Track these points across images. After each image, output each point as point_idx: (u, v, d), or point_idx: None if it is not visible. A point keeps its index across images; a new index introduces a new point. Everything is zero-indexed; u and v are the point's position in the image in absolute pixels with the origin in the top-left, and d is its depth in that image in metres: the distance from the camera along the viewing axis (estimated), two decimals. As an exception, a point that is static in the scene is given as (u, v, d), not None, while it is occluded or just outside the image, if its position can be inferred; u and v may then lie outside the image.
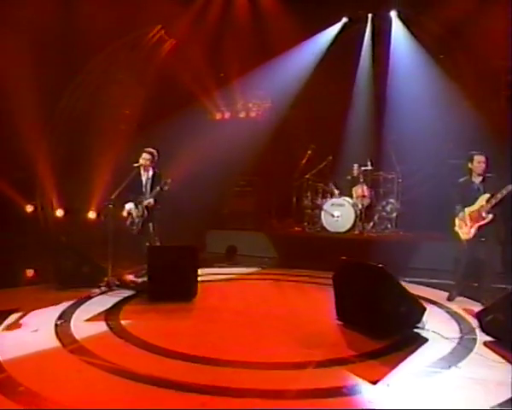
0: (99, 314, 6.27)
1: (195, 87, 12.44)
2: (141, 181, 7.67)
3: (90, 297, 7.00)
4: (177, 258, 6.83)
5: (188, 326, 5.97)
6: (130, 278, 7.79)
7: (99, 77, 11.85)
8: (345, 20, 12.18)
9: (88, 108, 11.76)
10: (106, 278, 7.41)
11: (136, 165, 7.47)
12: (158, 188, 7.45)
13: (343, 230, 10.52)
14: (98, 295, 7.15)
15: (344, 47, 11.86)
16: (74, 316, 6.20)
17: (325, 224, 10.71)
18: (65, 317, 6.19)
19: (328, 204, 10.70)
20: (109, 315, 6.26)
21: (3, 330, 5.72)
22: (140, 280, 7.51)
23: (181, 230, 9.27)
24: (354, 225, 10.56)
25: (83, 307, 6.64)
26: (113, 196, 7.24)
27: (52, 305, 6.56)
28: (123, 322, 6.02)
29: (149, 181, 7.64)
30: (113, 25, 10.69)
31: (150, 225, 7.64)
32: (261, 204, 11.73)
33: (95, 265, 7.67)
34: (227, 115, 13.67)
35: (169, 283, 6.72)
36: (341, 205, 10.57)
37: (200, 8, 11.90)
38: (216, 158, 11.39)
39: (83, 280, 7.46)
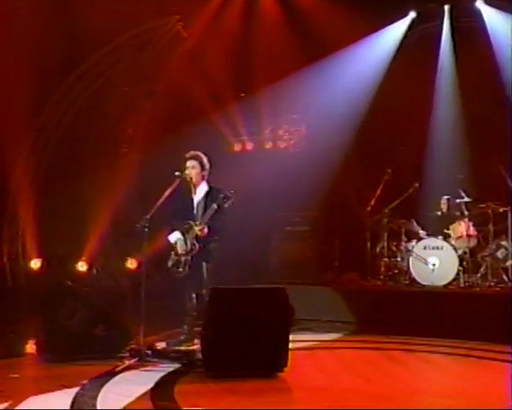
0: (142, 398, 4.91)
1: (211, 107, 11.46)
2: (189, 201, 6.83)
3: (114, 373, 5.68)
4: (255, 307, 5.64)
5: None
6: (162, 346, 6.72)
7: (95, 83, 10.99)
8: (412, 15, 11.28)
9: (79, 123, 10.96)
10: (132, 345, 6.25)
11: (177, 174, 6.59)
12: (214, 205, 6.49)
13: (442, 282, 9.19)
14: (124, 369, 5.83)
15: (414, 49, 10.95)
16: (100, 402, 4.81)
17: (415, 274, 9.33)
18: (84, 405, 4.74)
19: (419, 247, 9.42)
20: (159, 400, 4.91)
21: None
22: (176, 348, 6.55)
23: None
24: (458, 276, 9.21)
25: (108, 387, 5.24)
26: (148, 216, 6.21)
27: (53, 387, 5.16)
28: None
29: (202, 201, 6.77)
30: (118, 15, 10.02)
31: (204, 265, 6.65)
32: (322, 249, 10.82)
33: (115, 324, 6.41)
34: (249, 146, 12.55)
35: (242, 346, 5.52)
36: (439, 248, 9.31)
37: (221, 2, 11.09)
38: (253, 192, 10.41)
39: (94, 347, 6.17)
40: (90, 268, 10.56)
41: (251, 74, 11.36)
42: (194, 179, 6.79)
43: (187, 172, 6.77)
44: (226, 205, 6.51)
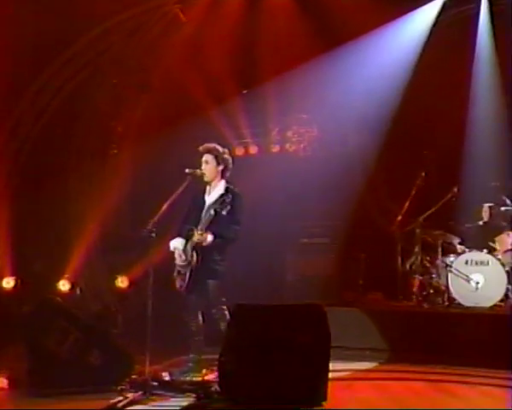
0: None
1: (211, 104, 11.36)
2: (201, 202, 6.75)
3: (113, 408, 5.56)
4: (286, 327, 5.51)
5: None
6: (167, 375, 6.51)
7: (80, 73, 10.80)
8: (443, -3, 11.07)
9: (61, 119, 10.85)
10: (133, 376, 6.10)
11: (188, 171, 6.55)
12: (211, 210, 6.41)
13: (488, 303, 8.96)
14: (127, 404, 5.68)
15: (446, 37, 10.68)
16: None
17: (456, 294, 9.11)
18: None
19: (460, 262, 9.20)
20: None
21: None
22: (187, 379, 6.39)
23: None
24: (507, 295, 9.01)
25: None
26: (155, 218, 6.18)
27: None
28: None
29: (214, 204, 6.56)
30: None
31: (209, 281, 6.53)
32: (344, 264, 10.70)
33: (113, 350, 6.27)
34: (253, 150, 12.40)
35: (270, 375, 5.34)
36: (483, 263, 9.11)
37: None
38: (261, 200, 10.29)
39: (89, 378, 6.02)
40: (73, 288, 10.29)
41: (256, 66, 11.25)
42: (208, 177, 6.67)
43: (202, 167, 6.67)
44: (224, 212, 6.34)
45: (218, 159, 6.67)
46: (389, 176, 11.10)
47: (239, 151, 12.42)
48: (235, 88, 11.46)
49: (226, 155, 6.77)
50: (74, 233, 10.41)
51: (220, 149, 6.78)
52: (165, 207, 6.30)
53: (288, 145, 12.21)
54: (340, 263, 10.72)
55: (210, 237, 6.42)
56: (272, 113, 11.99)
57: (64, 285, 10.23)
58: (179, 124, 10.67)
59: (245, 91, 11.84)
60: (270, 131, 12.31)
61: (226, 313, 6.43)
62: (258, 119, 12.00)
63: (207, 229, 6.45)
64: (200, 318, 6.64)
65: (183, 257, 6.55)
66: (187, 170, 6.56)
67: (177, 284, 6.64)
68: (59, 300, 6.81)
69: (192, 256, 6.46)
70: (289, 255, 10.85)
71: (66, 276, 10.29)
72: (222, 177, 6.71)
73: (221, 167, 6.68)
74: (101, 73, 11.17)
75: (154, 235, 6.10)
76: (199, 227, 6.48)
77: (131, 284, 10.11)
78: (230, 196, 6.45)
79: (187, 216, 6.75)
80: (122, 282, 10.41)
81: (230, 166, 6.78)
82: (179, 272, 6.61)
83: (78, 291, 10.13)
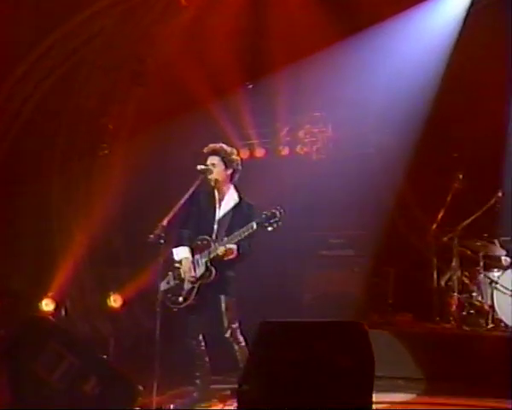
0: None
1: (212, 101, 11.39)
2: (210, 209, 6.85)
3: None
4: (322, 349, 5.34)
5: None
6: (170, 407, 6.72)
7: (65, 62, 10.63)
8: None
9: (44, 115, 10.76)
10: (136, 408, 6.10)
11: (201, 168, 6.69)
12: (253, 224, 6.43)
13: None
14: None
15: (486, 19, 10.52)
16: None
17: (502, 314, 9.01)
18: None
19: (507, 278, 9.15)
20: None
21: None
22: None
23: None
24: None
25: None
26: (165, 222, 6.26)
27: None
28: None
29: (228, 216, 6.76)
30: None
31: (222, 298, 6.63)
32: (371, 280, 10.65)
33: (114, 378, 6.19)
34: (260, 152, 12.42)
35: (303, 406, 5.20)
36: None
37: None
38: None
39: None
40: (57, 307, 10.13)
41: (264, 57, 11.31)
42: (215, 182, 6.76)
43: (212, 175, 6.78)
44: (270, 228, 6.37)
45: (226, 161, 6.71)
46: (418, 180, 11.04)
47: (243, 154, 12.11)
48: (240, 81, 11.48)
49: (234, 156, 6.82)
50: (59, 245, 10.38)
51: (228, 149, 6.82)
52: (176, 208, 6.33)
53: (299, 147, 12.15)
54: (366, 279, 10.67)
55: (235, 252, 6.51)
56: (281, 110, 11.91)
57: (47, 305, 10.08)
58: (178, 121, 10.70)
59: (250, 85, 11.79)
60: (278, 131, 12.27)
61: (239, 335, 6.52)
62: (266, 117, 11.96)
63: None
64: (202, 340, 6.72)
65: (194, 271, 6.57)
66: (199, 167, 6.60)
67: (172, 299, 6.63)
68: (50, 318, 6.96)
69: (209, 271, 6.50)
70: (306, 270, 10.85)
71: (50, 294, 10.14)
72: (230, 181, 6.79)
73: (230, 171, 6.73)
74: (89, 63, 11.03)
75: (162, 241, 6.14)
76: (219, 239, 6.54)
77: (125, 303, 10.07)
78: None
79: (185, 221, 6.73)
80: (115, 301, 10.32)
81: (239, 168, 6.85)
82: (178, 287, 6.63)
83: (62, 312, 10.08)
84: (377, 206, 11.04)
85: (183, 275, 6.65)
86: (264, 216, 6.37)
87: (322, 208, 10.91)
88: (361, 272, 10.65)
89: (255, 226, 6.41)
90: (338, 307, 10.16)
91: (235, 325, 6.60)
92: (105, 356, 6.73)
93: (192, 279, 6.61)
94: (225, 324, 6.58)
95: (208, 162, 6.74)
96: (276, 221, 6.36)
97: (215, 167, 6.70)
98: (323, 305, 10.36)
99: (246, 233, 6.49)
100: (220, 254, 6.50)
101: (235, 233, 6.51)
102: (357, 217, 10.88)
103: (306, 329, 5.60)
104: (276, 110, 11.94)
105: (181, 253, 6.71)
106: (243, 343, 6.59)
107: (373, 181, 11.16)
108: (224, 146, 6.84)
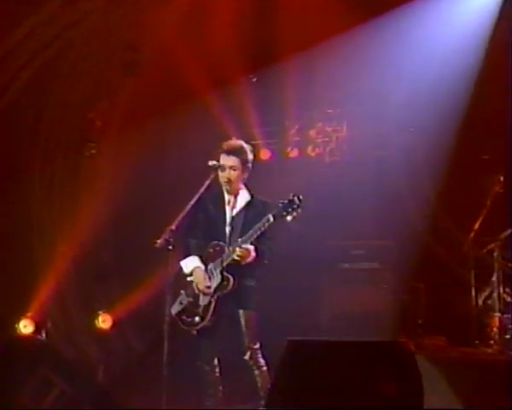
0: None
1: (212, 95, 11.43)
2: (220, 213, 6.87)
3: None
4: (361, 373, 5.56)
5: None
6: None
7: (47, 49, 10.48)
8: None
9: (23, 109, 10.63)
10: None
11: (213, 164, 6.65)
12: (270, 217, 6.42)
13: None
14: None
15: None
16: None
17: None
18: None
19: None
20: None
21: None
22: None
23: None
24: None
25: None
26: (173, 226, 6.37)
27: None
28: None
29: (241, 215, 6.77)
30: None
31: (241, 313, 6.60)
32: (399, 297, 10.56)
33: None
34: (266, 154, 12.42)
35: None
36: None
37: None
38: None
39: None
40: (37, 330, 9.89)
41: (270, 44, 11.24)
42: (232, 185, 6.68)
43: (222, 172, 6.70)
44: (289, 217, 6.35)
45: (245, 163, 6.67)
46: (448, 184, 10.97)
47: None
48: (244, 73, 11.47)
49: (251, 156, 6.82)
50: (40, 257, 10.36)
51: (248, 148, 6.79)
52: (187, 209, 6.35)
53: (309, 148, 12.12)
54: (393, 296, 10.57)
55: (253, 254, 6.40)
56: (290, 106, 11.90)
57: (26, 327, 9.91)
58: (175, 117, 10.75)
59: (255, 79, 11.74)
60: (286, 130, 12.25)
61: (261, 358, 6.44)
62: (272, 114, 11.97)
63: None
64: (217, 365, 6.64)
65: (209, 281, 6.47)
66: (211, 163, 6.51)
67: (187, 321, 6.61)
68: (41, 338, 7.17)
69: (226, 280, 6.40)
70: (325, 286, 10.78)
71: (29, 314, 10.00)
72: (242, 181, 6.83)
73: (246, 174, 6.72)
74: (74, 51, 10.87)
75: (171, 247, 6.10)
76: (238, 240, 6.45)
77: (116, 324, 10.02)
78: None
79: (191, 229, 6.71)
80: (104, 321, 10.26)
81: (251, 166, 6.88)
82: (192, 305, 6.59)
83: (43, 335, 9.85)
84: (401, 213, 11.00)
85: (196, 289, 6.57)
86: (280, 205, 6.32)
87: (338, 216, 10.86)
88: (387, 287, 10.54)
89: (271, 219, 6.35)
90: (360, 328, 10.11)
91: (255, 346, 6.51)
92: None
93: (207, 291, 6.51)
94: (245, 343, 6.50)
95: (224, 162, 6.62)
96: (294, 208, 6.33)
97: (234, 170, 6.62)
98: (344, 325, 10.29)
99: (262, 228, 6.41)
100: (236, 257, 6.41)
101: (251, 231, 6.43)
102: (378, 226, 10.91)
103: (342, 349, 5.66)
104: (283, 106, 11.91)
105: (190, 263, 6.64)
106: (265, 367, 6.52)
107: (395, 187, 11.15)
108: (245, 145, 6.77)
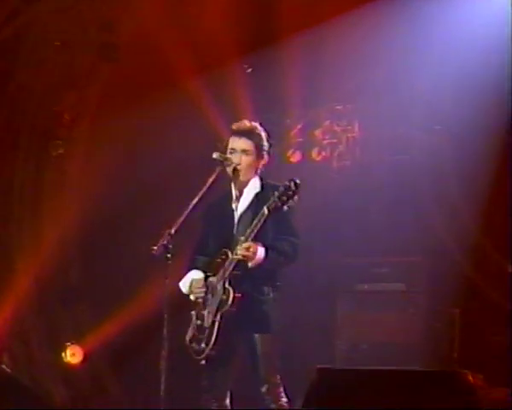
0: None
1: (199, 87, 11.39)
2: (228, 212, 6.80)
3: None
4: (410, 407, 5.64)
5: None
6: None
7: (4, 28, 10.47)
8: None
9: None
10: None
11: (217, 156, 6.53)
12: (264, 209, 6.31)
13: None
14: None
15: None
16: None
17: None
18: None
19: None
20: None
21: None
22: None
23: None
24: None
25: None
26: (173, 230, 6.36)
27: None
28: None
29: (249, 211, 6.61)
30: None
31: (256, 338, 6.48)
32: (430, 325, 10.22)
33: None
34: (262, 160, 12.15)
35: None
36: None
37: None
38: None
39: None
40: None
41: (268, 28, 11.01)
42: (242, 173, 6.48)
43: (232, 157, 6.49)
44: (286, 206, 6.17)
45: (259, 149, 6.49)
46: (484, 194, 10.56)
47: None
48: (237, 60, 11.30)
49: (266, 143, 6.69)
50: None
51: (262, 131, 6.62)
52: (190, 207, 6.20)
53: (314, 151, 11.82)
54: (423, 323, 10.19)
55: (261, 251, 6.15)
56: (292, 101, 11.59)
57: None
58: (156, 111, 10.75)
59: (249, 68, 11.50)
60: (287, 130, 12.01)
61: (282, 392, 6.25)
62: (270, 110, 11.41)
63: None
64: (228, 403, 6.46)
65: (212, 297, 6.34)
66: (215, 155, 6.29)
67: (195, 348, 6.42)
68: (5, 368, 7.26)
69: (226, 293, 6.20)
70: (340, 311, 10.46)
71: None
72: (255, 173, 6.61)
73: (261, 163, 6.56)
74: (37, 31, 10.84)
75: (170, 256, 5.97)
76: (240, 238, 6.24)
77: (87, 358, 9.96)
78: (280, 187, 6.24)
79: (204, 244, 6.65)
80: (73, 355, 10.19)
81: (267, 157, 6.70)
82: (200, 329, 6.37)
83: (4, 363, 9.81)
84: (428, 227, 10.74)
85: (202, 310, 6.40)
86: (276, 194, 6.07)
87: (352, 230, 10.73)
88: (415, 313, 10.14)
89: (266, 211, 6.10)
90: (383, 361, 9.63)
91: (275, 379, 6.29)
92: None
93: (211, 309, 6.32)
94: (261, 373, 6.26)
95: (235, 145, 6.42)
96: (290, 195, 6.07)
97: (248, 156, 6.42)
98: (363, 358, 10.01)
99: (259, 225, 6.17)
100: (240, 257, 6.20)
101: (248, 230, 6.25)
102: (402, 240, 10.48)
103: (385, 380, 5.68)
104: (284, 101, 11.58)
105: (188, 278, 6.45)
106: (286, 404, 6.31)
107: (418, 196, 10.89)
108: (259, 127, 6.58)
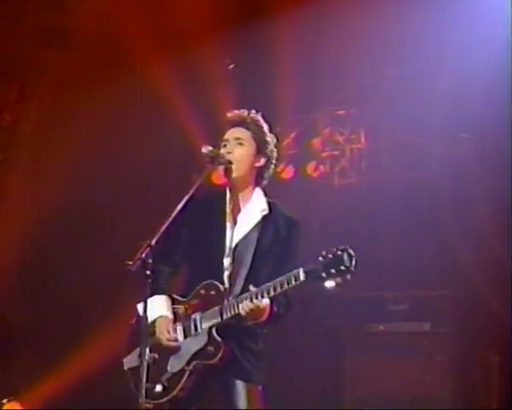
0: None
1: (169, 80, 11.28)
2: (216, 226, 6.27)
3: None
4: None
5: None
6: None
7: None
8: None
9: None
10: None
11: (206, 150, 6.08)
12: (299, 272, 5.68)
13: None
14: None
15: None
16: None
17: None
18: None
19: None
20: None
21: None
22: None
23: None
24: None
25: None
26: (153, 242, 5.64)
27: None
28: None
29: (251, 239, 6.15)
30: None
31: (240, 387, 6.14)
32: (462, 375, 10.19)
33: None
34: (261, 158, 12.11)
35: None
36: None
37: None
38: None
39: None
40: None
41: (252, 8, 10.88)
42: (237, 170, 6.00)
43: (225, 151, 6.08)
44: (331, 282, 5.59)
45: (260, 141, 6.00)
46: None
47: (219, 178, 12.53)
48: (218, 55, 11.31)
49: (270, 139, 6.16)
50: None
51: (263, 123, 6.15)
52: (174, 214, 5.68)
53: (311, 166, 11.77)
54: (454, 373, 10.05)
55: (268, 311, 5.76)
56: (284, 104, 11.46)
57: None
58: (119, 107, 10.79)
59: (232, 64, 11.60)
60: (279, 141, 11.76)
61: None
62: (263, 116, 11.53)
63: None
64: None
65: (184, 338, 5.97)
66: (204, 149, 5.87)
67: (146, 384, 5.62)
68: None
69: (213, 344, 5.85)
70: (349, 357, 10.41)
71: None
72: (256, 181, 6.13)
73: (263, 160, 5.99)
74: None
75: (149, 273, 5.47)
76: (250, 288, 5.78)
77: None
78: (287, 224, 5.96)
79: (168, 249, 6.11)
80: None
81: (274, 162, 6.18)
82: (158, 363, 5.95)
83: None
84: (453, 255, 10.45)
85: (165, 343, 5.95)
86: (321, 260, 5.39)
87: (360, 260, 10.51)
88: (443, 361, 9.90)
89: (302, 276, 5.46)
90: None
91: None
92: None
93: (182, 354, 5.93)
94: None
95: (229, 136, 6.02)
96: (341, 271, 5.37)
97: (242, 146, 5.98)
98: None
99: (286, 286, 5.59)
100: (244, 313, 5.70)
101: (268, 284, 5.64)
102: (424, 272, 10.44)
103: None
104: (273, 103, 11.07)
105: (155, 306, 5.95)
106: None
107: (438, 219, 10.73)
108: (259, 117, 6.11)
